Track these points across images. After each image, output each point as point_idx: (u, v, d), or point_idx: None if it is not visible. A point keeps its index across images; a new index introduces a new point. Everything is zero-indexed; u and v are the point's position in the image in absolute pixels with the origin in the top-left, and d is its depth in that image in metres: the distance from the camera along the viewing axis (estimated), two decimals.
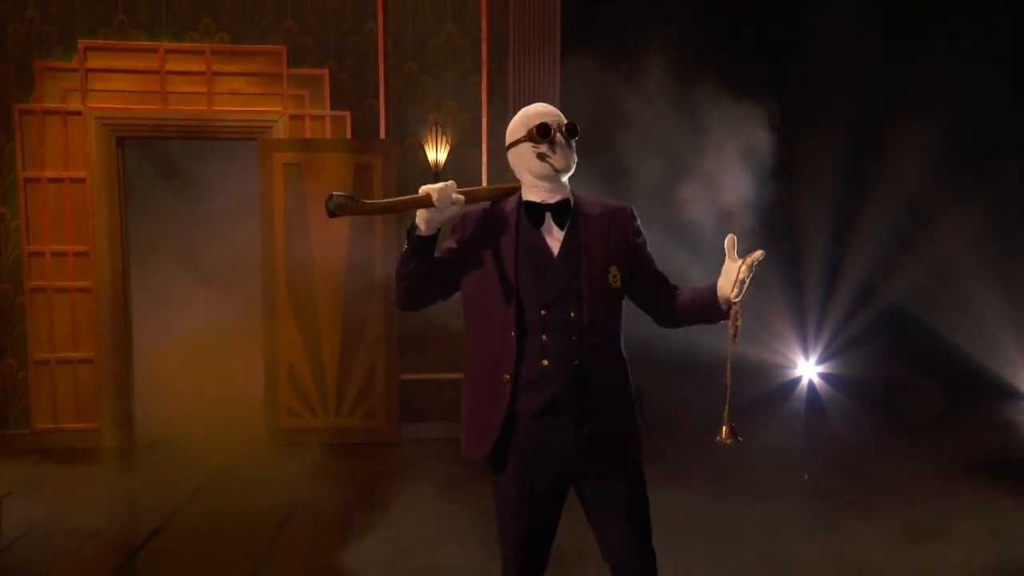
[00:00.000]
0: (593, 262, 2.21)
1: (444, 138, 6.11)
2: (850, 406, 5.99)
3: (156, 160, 6.79)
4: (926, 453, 5.52)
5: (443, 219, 2.17)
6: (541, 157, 2.20)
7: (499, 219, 2.26)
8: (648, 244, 2.35)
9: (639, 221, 2.33)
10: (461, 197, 2.18)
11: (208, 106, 6.00)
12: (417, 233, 2.17)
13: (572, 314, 2.18)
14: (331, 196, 2.07)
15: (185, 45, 5.97)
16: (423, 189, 2.15)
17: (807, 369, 6.23)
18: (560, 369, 2.18)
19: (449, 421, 6.23)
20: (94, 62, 5.89)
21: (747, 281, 2.08)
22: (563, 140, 2.20)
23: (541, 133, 2.19)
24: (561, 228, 2.24)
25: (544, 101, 6.73)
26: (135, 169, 6.40)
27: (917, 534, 4.13)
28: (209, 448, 5.71)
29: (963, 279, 5.66)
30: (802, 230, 6.22)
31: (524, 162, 2.25)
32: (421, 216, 2.16)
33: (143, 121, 5.95)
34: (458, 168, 6.16)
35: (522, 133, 2.24)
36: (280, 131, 6.07)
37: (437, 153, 6.10)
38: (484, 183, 6.16)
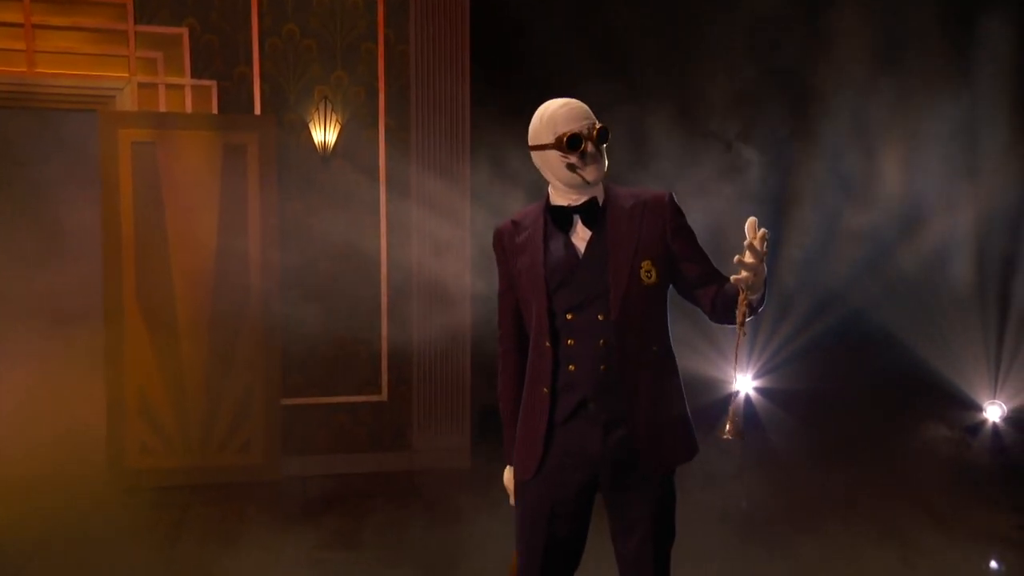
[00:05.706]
0: (620, 259, 2.10)
1: (333, 115, 5.14)
2: (788, 420, 5.58)
3: None
4: (868, 471, 5.15)
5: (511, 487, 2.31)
6: (571, 168, 2.08)
7: (528, 228, 2.20)
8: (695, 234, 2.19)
9: (678, 208, 2.16)
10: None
11: (29, 67, 4.80)
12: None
13: (600, 316, 2.10)
14: None
15: None
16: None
17: (744, 383, 5.77)
18: (586, 374, 2.11)
19: (339, 453, 5.30)
20: None
21: (755, 265, 1.90)
22: (594, 149, 2.07)
23: (571, 145, 2.05)
24: (589, 228, 2.13)
25: (451, 75, 5.68)
26: None
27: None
28: (37, 501, 4.53)
29: (910, 286, 5.30)
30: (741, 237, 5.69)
31: (551, 168, 2.12)
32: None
33: None
34: (351, 152, 5.22)
35: (548, 139, 2.09)
36: (127, 102, 4.96)
37: (325, 133, 5.13)
38: (382, 167, 5.26)
